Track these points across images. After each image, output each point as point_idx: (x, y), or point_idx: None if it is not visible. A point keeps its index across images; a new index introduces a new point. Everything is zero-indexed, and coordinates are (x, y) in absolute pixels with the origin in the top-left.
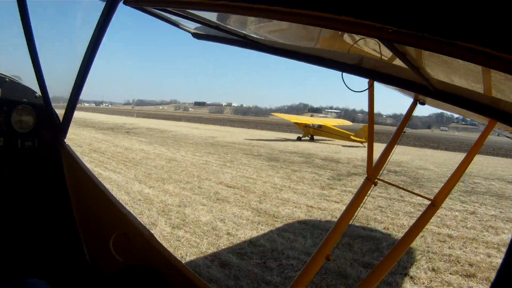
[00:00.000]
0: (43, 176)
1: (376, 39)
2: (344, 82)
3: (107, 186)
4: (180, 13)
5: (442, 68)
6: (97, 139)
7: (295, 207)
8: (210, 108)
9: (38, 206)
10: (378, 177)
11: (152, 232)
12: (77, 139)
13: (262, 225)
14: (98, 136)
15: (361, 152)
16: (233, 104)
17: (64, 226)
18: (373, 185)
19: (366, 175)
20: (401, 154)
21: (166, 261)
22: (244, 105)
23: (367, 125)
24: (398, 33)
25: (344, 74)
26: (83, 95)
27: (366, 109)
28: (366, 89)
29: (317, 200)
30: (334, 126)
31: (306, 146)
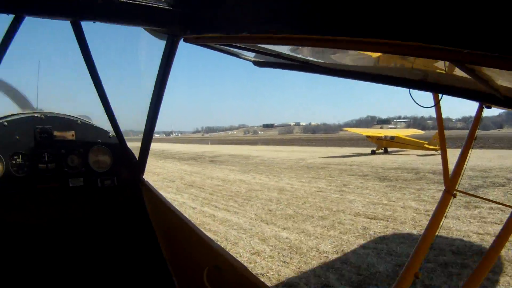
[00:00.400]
0: (125, 213)
1: (448, 61)
2: (413, 99)
3: (230, 230)
4: (240, 45)
5: (510, 77)
6: (185, 171)
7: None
8: (279, 129)
9: (124, 243)
10: (456, 188)
11: (244, 265)
12: (165, 173)
13: None
14: (185, 168)
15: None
16: (301, 123)
17: (153, 262)
18: (452, 198)
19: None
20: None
21: None
22: (312, 123)
23: (439, 137)
24: (471, 54)
25: (411, 89)
26: None
27: (434, 115)
28: (435, 104)
29: None
30: (406, 136)
31: (396, 159)
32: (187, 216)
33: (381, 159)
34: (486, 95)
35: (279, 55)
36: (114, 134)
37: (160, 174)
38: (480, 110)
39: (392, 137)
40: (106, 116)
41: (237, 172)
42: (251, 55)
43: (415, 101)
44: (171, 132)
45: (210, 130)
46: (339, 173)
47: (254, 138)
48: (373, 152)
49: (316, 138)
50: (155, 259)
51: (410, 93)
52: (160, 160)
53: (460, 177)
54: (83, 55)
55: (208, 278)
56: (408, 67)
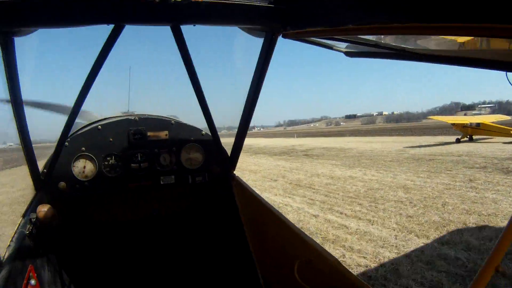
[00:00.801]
0: (216, 208)
1: None
2: (510, 82)
3: (379, 249)
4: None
5: None
6: (284, 167)
7: None
8: (362, 120)
9: (214, 237)
10: None
11: (337, 258)
12: (262, 170)
13: None
14: (281, 163)
15: None
16: (384, 113)
17: (241, 256)
18: None
19: None
20: None
21: (355, 286)
22: (395, 113)
23: None
24: None
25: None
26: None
27: None
28: None
29: None
30: (492, 122)
31: (500, 147)
32: (279, 211)
33: (484, 148)
34: None
35: (376, 44)
36: (207, 131)
37: (258, 172)
38: None
39: (478, 124)
40: (202, 115)
41: (342, 167)
42: (343, 45)
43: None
44: (253, 127)
45: (292, 123)
46: (453, 165)
47: (338, 129)
48: (457, 141)
49: (401, 127)
50: (243, 253)
51: (507, 76)
52: (251, 156)
53: None
54: (182, 57)
55: (299, 272)
56: (505, 48)
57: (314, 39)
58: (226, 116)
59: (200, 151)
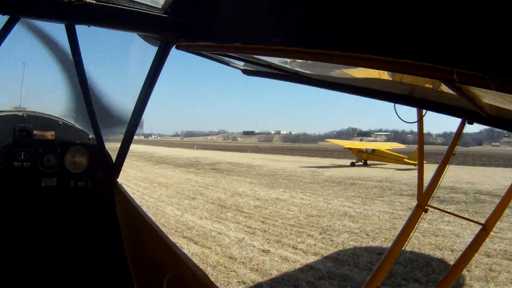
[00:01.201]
0: (96, 215)
1: (438, 80)
2: (397, 114)
3: None
4: (233, 55)
5: (495, 96)
6: (197, 182)
7: None
8: (259, 137)
9: (90, 245)
10: (428, 203)
11: (206, 272)
12: (173, 184)
13: None
14: (191, 177)
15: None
16: (281, 132)
17: (116, 265)
18: (423, 212)
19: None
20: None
21: None
22: (292, 133)
23: (418, 152)
24: (461, 74)
25: (396, 103)
26: None
27: (415, 130)
28: (419, 120)
29: None
30: (387, 150)
31: (399, 174)
32: (157, 224)
33: (386, 173)
34: (470, 112)
35: (269, 65)
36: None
37: (169, 186)
38: (461, 126)
39: (373, 150)
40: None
41: (262, 186)
42: (240, 63)
43: (399, 116)
44: (150, 135)
45: (189, 134)
46: (380, 191)
47: (236, 144)
48: (352, 164)
49: (300, 147)
50: (119, 262)
51: (395, 108)
52: (154, 165)
53: (434, 192)
54: (73, 57)
55: (168, 285)
56: (396, 81)
57: (210, 54)
58: (114, 122)
59: (85, 155)
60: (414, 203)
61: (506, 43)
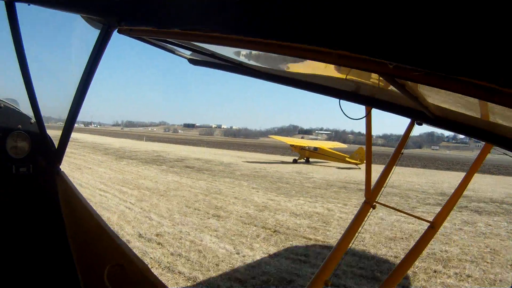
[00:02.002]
0: (38, 202)
1: (375, 73)
2: (342, 110)
3: None
4: (175, 41)
5: (440, 96)
6: (192, 187)
7: None
8: (200, 130)
9: (32, 233)
10: (376, 200)
11: (147, 264)
12: (165, 190)
13: None
14: (177, 179)
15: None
16: (222, 126)
17: (59, 255)
18: (371, 209)
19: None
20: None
21: None
22: (234, 127)
23: (365, 150)
24: (399, 68)
25: (341, 100)
26: None
27: (356, 130)
28: (364, 117)
29: None
30: (329, 148)
31: (349, 173)
32: (98, 212)
33: (346, 174)
34: (417, 112)
35: (212, 54)
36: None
37: (166, 195)
38: (410, 127)
39: (316, 148)
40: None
41: (274, 193)
42: (187, 52)
43: (344, 113)
44: (90, 123)
45: (130, 124)
46: (399, 198)
47: (181, 137)
48: (295, 161)
49: (243, 142)
50: (62, 253)
51: (339, 104)
52: (119, 161)
53: (382, 190)
54: (13, 37)
55: (109, 276)
56: (342, 77)
57: (155, 41)
58: (56, 107)
59: (27, 140)
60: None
61: (444, 38)
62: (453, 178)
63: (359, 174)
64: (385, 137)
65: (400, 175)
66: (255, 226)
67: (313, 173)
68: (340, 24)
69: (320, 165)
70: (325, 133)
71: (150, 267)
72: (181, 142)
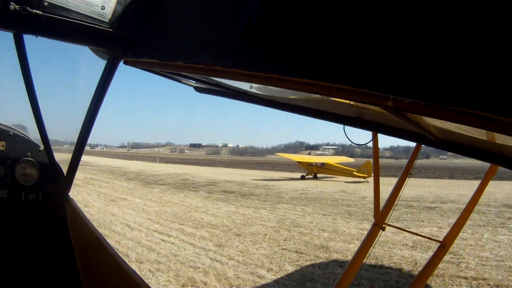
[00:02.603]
0: (47, 229)
1: (375, 106)
2: (347, 136)
3: None
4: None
5: (441, 121)
6: (264, 220)
7: None
8: (207, 150)
9: (42, 259)
10: (385, 221)
11: None
12: (233, 227)
13: None
14: (233, 209)
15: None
16: (229, 145)
17: (69, 281)
18: (381, 231)
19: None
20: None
21: None
22: (240, 146)
23: (373, 172)
24: (396, 100)
25: (346, 125)
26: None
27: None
28: (369, 141)
29: None
30: (336, 163)
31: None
32: (106, 239)
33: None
34: (419, 136)
35: (217, 84)
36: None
37: (239, 233)
38: (417, 147)
39: (323, 164)
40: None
41: (354, 220)
42: (192, 81)
43: (349, 139)
44: (96, 145)
45: (136, 146)
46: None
47: (190, 157)
48: (302, 177)
49: (250, 160)
50: (72, 277)
51: (344, 130)
52: (149, 187)
53: (391, 211)
54: (21, 67)
55: None
56: (345, 104)
57: (162, 71)
58: (64, 134)
59: (36, 167)
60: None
61: (439, 72)
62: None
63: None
64: (392, 149)
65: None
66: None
67: (361, 192)
68: (338, 59)
69: (329, 180)
70: (332, 148)
71: None
72: (195, 163)
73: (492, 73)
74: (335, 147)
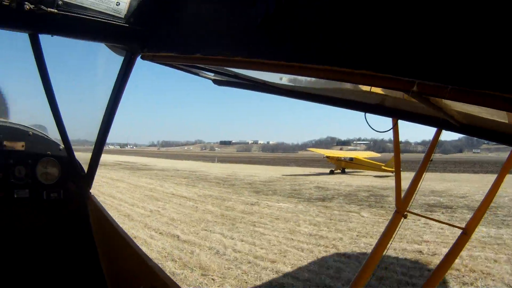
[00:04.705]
0: (69, 227)
1: (399, 91)
2: (368, 123)
3: None
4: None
5: (463, 104)
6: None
7: None
8: (237, 147)
9: (65, 257)
10: (407, 209)
11: (179, 285)
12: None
13: None
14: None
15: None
16: (259, 142)
17: (92, 277)
18: (403, 218)
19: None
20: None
21: None
22: (270, 142)
23: (394, 160)
24: (422, 85)
25: (367, 113)
26: (108, 138)
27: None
28: (390, 129)
29: None
30: (364, 158)
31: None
32: (129, 235)
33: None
34: (442, 121)
35: (236, 75)
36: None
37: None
38: (437, 133)
39: (351, 159)
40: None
41: None
42: (210, 73)
43: (370, 126)
44: (126, 144)
45: (166, 144)
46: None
47: (232, 155)
48: (331, 172)
49: (287, 157)
50: (95, 275)
51: (365, 117)
52: (256, 196)
53: (413, 199)
54: (38, 67)
55: None
56: (366, 91)
57: (178, 64)
58: (84, 132)
59: (57, 166)
60: None
61: (466, 54)
62: None
63: None
64: (424, 143)
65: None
66: None
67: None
68: (362, 44)
69: (354, 175)
70: (363, 143)
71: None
72: (241, 161)
73: None
74: (367, 142)
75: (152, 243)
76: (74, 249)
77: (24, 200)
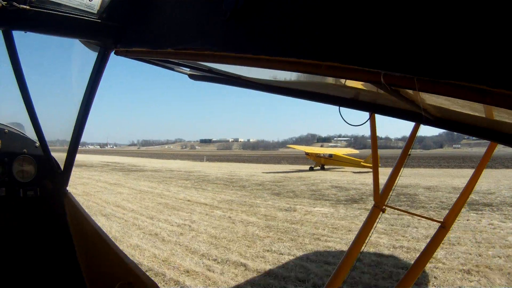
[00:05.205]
0: (46, 224)
1: (367, 82)
2: (342, 117)
3: None
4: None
5: (437, 97)
6: None
7: None
8: (218, 145)
9: (42, 255)
10: (385, 203)
11: (155, 282)
12: None
13: None
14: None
15: None
16: (240, 140)
17: (70, 275)
18: (381, 212)
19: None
20: None
21: None
22: (251, 140)
23: (372, 154)
24: (390, 76)
25: (342, 107)
26: (87, 138)
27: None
28: (365, 122)
29: None
30: (343, 154)
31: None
32: (106, 232)
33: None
34: (417, 115)
35: (210, 70)
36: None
37: None
38: (415, 128)
39: (330, 155)
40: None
41: None
42: (186, 68)
43: (344, 119)
44: (106, 144)
45: (146, 143)
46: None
47: (214, 153)
48: (311, 169)
49: (264, 155)
50: (73, 272)
51: (339, 111)
52: (274, 198)
53: (391, 193)
54: (12, 64)
55: None
56: (341, 85)
57: (152, 59)
58: (60, 131)
59: (33, 163)
60: None
61: (430, 44)
62: None
63: None
64: (404, 139)
65: None
66: None
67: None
68: (327, 35)
69: (335, 171)
70: (344, 140)
71: (158, 284)
72: (228, 160)
73: (485, 46)
74: (347, 138)
75: (218, 280)
76: (51, 247)
77: (1, 199)
